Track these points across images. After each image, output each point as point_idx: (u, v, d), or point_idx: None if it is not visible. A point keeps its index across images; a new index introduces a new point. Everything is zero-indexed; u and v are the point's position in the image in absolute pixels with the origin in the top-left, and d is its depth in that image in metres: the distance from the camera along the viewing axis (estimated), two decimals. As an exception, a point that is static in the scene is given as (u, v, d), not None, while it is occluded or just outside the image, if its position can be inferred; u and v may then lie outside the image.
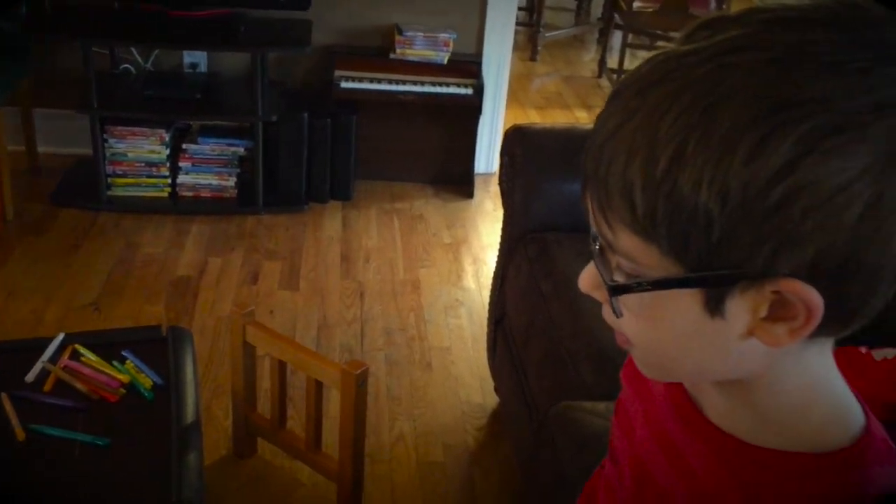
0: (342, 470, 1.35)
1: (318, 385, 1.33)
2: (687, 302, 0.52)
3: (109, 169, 3.05)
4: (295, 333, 2.51)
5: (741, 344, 0.53)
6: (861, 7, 0.50)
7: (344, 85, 3.12)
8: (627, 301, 0.55)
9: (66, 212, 3.02)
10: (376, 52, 3.23)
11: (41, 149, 3.28)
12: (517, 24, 3.62)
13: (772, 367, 0.56)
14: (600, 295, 0.58)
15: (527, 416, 1.74)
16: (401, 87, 3.14)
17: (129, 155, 3.06)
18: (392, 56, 3.17)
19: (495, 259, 2.21)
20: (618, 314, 0.56)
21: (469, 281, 2.86)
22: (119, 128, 3.01)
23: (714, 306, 0.52)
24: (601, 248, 0.56)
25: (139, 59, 3.22)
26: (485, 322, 2.32)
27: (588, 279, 0.59)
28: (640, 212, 0.50)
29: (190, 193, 3.16)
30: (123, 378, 1.36)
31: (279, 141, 3.12)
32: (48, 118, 3.26)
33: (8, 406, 1.28)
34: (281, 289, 2.72)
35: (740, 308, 0.51)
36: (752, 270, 0.49)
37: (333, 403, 1.90)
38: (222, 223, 3.07)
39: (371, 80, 3.14)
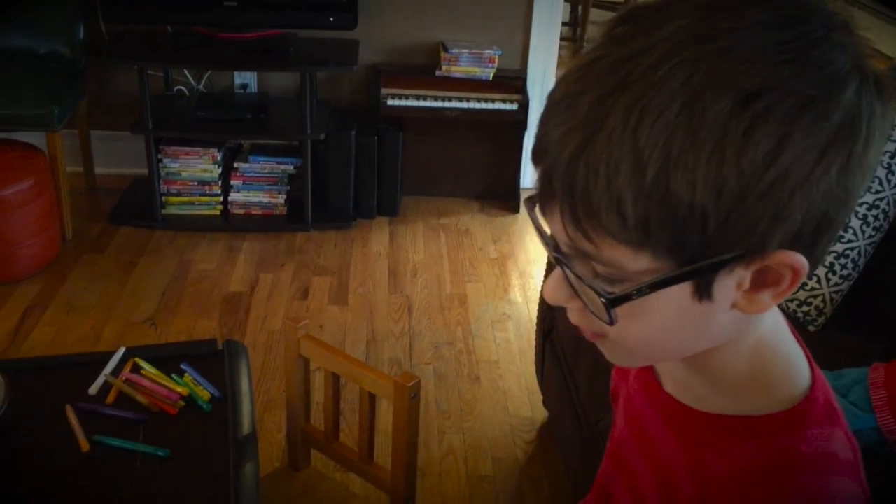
0: (395, 481, 1.37)
1: (371, 398, 1.36)
2: (677, 294, 0.54)
3: (164, 188, 3.14)
4: (344, 347, 2.54)
5: (724, 319, 0.56)
6: None
7: (391, 102, 3.16)
8: (620, 308, 0.55)
9: (123, 230, 3.11)
10: (422, 70, 3.27)
11: (98, 170, 3.38)
12: (561, 39, 3.63)
13: (738, 331, 0.59)
14: (574, 305, 0.58)
15: (577, 428, 1.74)
16: (446, 104, 3.17)
17: (183, 174, 3.14)
18: (438, 73, 3.21)
19: (542, 273, 2.22)
20: (614, 321, 0.55)
21: (516, 295, 2.87)
22: (173, 148, 3.09)
23: (702, 292, 0.54)
24: (567, 257, 0.56)
25: (192, 80, 3.30)
26: (532, 336, 2.32)
27: (558, 291, 0.58)
28: (632, 223, 0.50)
29: (241, 211, 3.23)
30: (182, 391, 1.40)
31: (327, 158, 3.17)
32: (104, 139, 3.36)
33: (72, 418, 1.33)
34: (330, 304, 2.76)
35: (727, 287, 0.54)
36: (745, 251, 0.51)
37: (384, 416, 1.92)
38: (272, 240, 3.12)
39: (417, 98, 3.18)
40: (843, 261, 1.71)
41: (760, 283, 0.54)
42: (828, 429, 0.59)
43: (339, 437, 1.48)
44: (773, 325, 0.61)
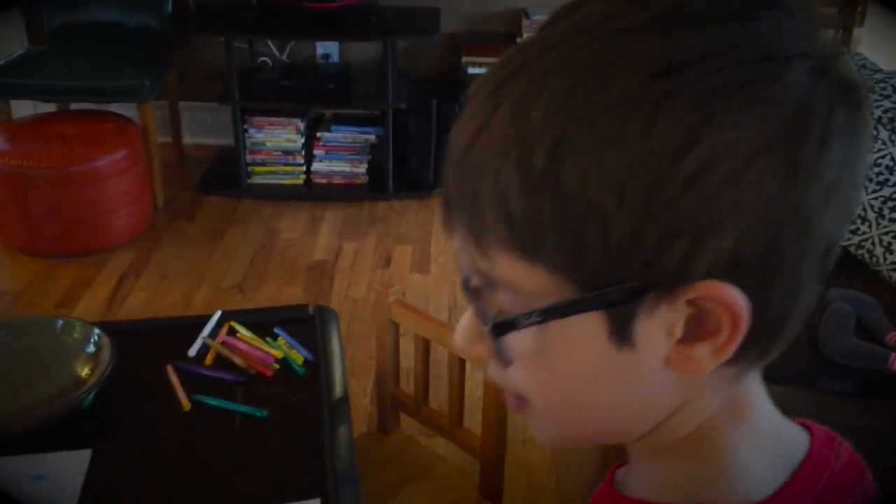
0: (485, 446, 1.38)
1: (462, 363, 1.36)
2: (588, 332, 0.43)
3: (249, 158, 3.20)
4: (427, 315, 2.56)
5: (655, 380, 0.44)
6: None
7: (471, 71, 3.14)
8: (516, 343, 0.45)
9: (211, 199, 3.18)
10: (503, 38, 3.24)
11: (186, 140, 3.46)
12: (646, 3, 3.54)
13: (675, 405, 0.47)
14: (483, 349, 0.48)
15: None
16: (528, 71, 3.14)
17: (268, 144, 3.19)
18: (519, 41, 3.16)
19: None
20: (507, 362, 0.46)
21: (599, 265, 2.84)
22: (258, 118, 3.14)
23: (620, 333, 0.43)
24: (477, 291, 0.46)
25: (275, 51, 3.35)
26: (617, 305, 2.30)
27: (466, 332, 0.49)
28: (519, 223, 0.41)
29: (324, 180, 3.27)
30: (277, 354, 1.43)
31: (408, 128, 3.18)
32: (191, 110, 3.44)
33: (174, 377, 1.37)
34: (412, 272, 2.78)
35: (651, 331, 0.42)
36: (661, 276, 0.40)
37: (469, 383, 1.93)
38: (354, 209, 3.16)
39: (498, 65, 3.15)
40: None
41: (696, 333, 0.42)
42: None
43: (427, 401, 1.50)
44: (730, 419, 0.48)
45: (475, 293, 0.46)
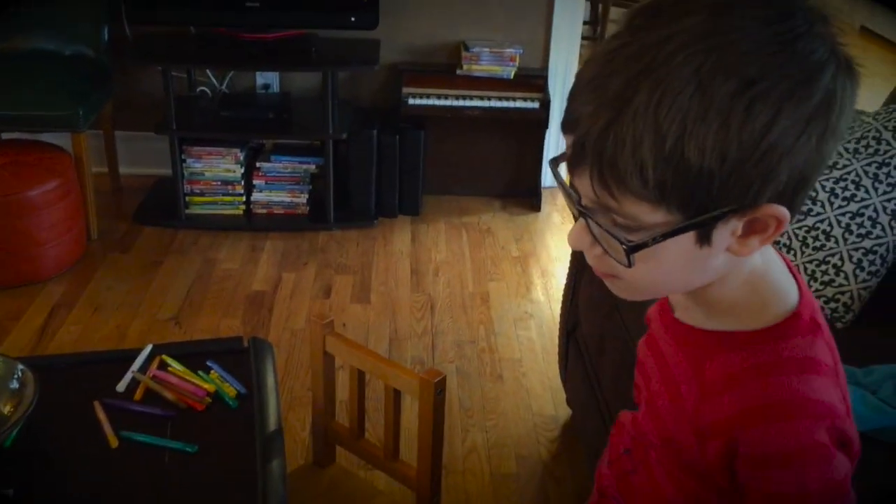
0: (420, 478, 1.37)
1: (397, 394, 1.36)
2: (683, 240, 0.66)
3: (187, 188, 3.16)
4: (367, 346, 2.54)
5: (718, 260, 0.69)
6: None
7: (412, 102, 3.16)
8: (638, 253, 0.66)
9: (148, 230, 3.13)
10: (443, 69, 3.27)
11: (123, 170, 3.41)
12: (582, 37, 3.62)
13: (729, 269, 0.71)
14: (595, 250, 0.70)
15: (601, 425, 1.73)
16: (467, 103, 3.17)
17: (206, 174, 3.16)
18: (459, 72, 3.21)
19: (564, 271, 2.21)
20: (631, 264, 0.67)
21: (538, 293, 2.87)
22: (196, 148, 3.11)
23: (704, 238, 0.66)
24: (589, 210, 0.67)
25: (215, 81, 3.33)
26: (554, 334, 2.32)
27: (581, 238, 0.70)
28: (652, 184, 0.62)
29: (263, 211, 3.24)
30: (209, 387, 1.41)
31: (349, 158, 3.18)
32: (129, 140, 3.39)
33: (101, 414, 1.34)
34: (353, 302, 2.77)
35: (723, 233, 0.66)
36: (739, 204, 0.64)
37: (407, 414, 1.92)
38: (295, 239, 3.14)
39: (438, 97, 3.18)
40: (871, 257, 1.69)
41: (750, 230, 0.67)
42: (809, 338, 0.71)
43: (364, 434, 1.49)
44: (763, 261, 0.74)
45: (587, 211, 0.67)
